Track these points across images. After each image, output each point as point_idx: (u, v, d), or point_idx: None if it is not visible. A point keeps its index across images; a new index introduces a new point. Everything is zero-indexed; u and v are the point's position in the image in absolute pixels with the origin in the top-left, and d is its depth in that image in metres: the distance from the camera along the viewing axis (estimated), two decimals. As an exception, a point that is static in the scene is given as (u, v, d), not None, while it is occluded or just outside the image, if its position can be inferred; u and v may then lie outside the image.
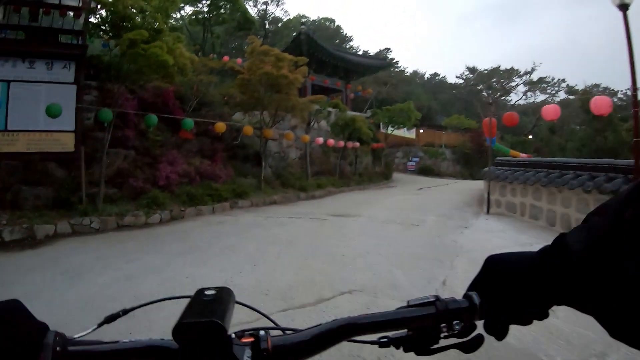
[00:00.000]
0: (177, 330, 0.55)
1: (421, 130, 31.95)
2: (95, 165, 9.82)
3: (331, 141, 17.90)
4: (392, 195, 16.33)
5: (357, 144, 19.80)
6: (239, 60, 19.63)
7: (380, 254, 6.51)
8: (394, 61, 30.14)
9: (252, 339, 0.62)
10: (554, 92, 44.05)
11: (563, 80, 43.64)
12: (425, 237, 7.99)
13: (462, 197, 15.87)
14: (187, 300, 0.64)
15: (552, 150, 30.42)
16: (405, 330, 0.64)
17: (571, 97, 42.48)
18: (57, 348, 0.57)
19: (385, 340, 0.66)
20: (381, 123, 25.08)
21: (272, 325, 0.77)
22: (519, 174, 10.10)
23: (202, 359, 0.57)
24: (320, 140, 17.24)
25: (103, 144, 9.48)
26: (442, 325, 0.61)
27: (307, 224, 9.16)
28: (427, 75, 58.16)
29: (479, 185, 22.50)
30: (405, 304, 0.64)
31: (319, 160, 19.18)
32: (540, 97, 45.53)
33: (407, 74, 47.22)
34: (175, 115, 12.14)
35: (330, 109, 20.93)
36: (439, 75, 58.98)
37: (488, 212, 10.90)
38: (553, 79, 43.35)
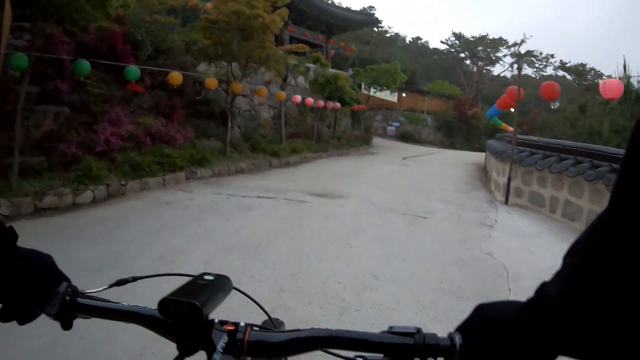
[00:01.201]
0: (162, 305, 0.61)
1: (403, 94, 29.50)
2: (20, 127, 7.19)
3: (310, 100, 15.33)
4: (377, 165, 14.01)
5: (338, 104, 17.31)
6: (208, 4, 16.61)
7: (396, 282, 4.17)
8: (378, 19, 27.12)
9: (232, 328, 0.65)
10: (542, 66, 41.90)
11: (552, 56, 41.52)
12: (445, 241, 5.70)
13: (458, 172, 13.76)
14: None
15: (544, 129, 28.19)
16: (382, 355, 0.62)
17: (560, 73, 40.71)
18: (67, 297, 0.69)
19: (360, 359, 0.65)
20: (362, 84, 22.59)
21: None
22: (552, 160, 7.81)
23: (181, 334, 0.64)
24: (298, 98, 14.66)
25: (27, 100, 6.91)
26: (416, 358, 0.58)
27: (280, 211, 6.73)
28: (408, 39, 55.29)
29: (466, 157, 20.63)
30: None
31: (295, 121, 16.63)
32: (528, 71, 43.46)
33: (389, 34, 44.21)
34: (125, 63, 9.45)
35: (309, 64, 18.31)
36: (421, 39, 56.25)
37: (507, 202, 8.67)
38: (541, 53, 41.16)
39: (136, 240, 5.10)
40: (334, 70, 17.87)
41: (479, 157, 20.82)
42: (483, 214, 7.55)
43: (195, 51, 12.43)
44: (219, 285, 0.69)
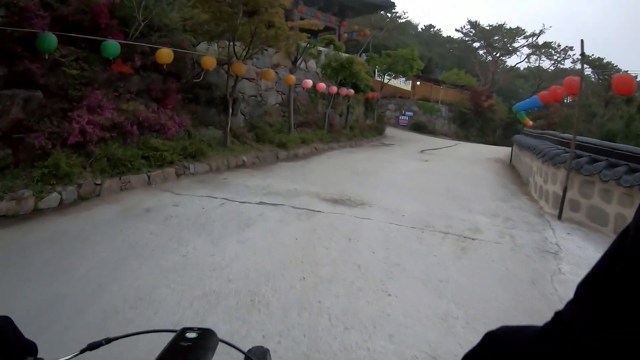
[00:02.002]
0: None
1: (418, 83, 27.68)
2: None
3: (322, 85, 13.65)
4: (395, 160, 12.37)
5: (352, 91, 15.63)
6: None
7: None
8: (394, 3, 25.23)
9: None
10: (560, 59, 39.70)
11: (571, 48, 39.21)
12: (511, 283, 4.06)
13: (485, 171, 12.13)
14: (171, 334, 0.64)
15: (565, 125, 26.16)
16: None
17: (579, 67, 38.52)
18: None
19: None
20: (377, 70, 20.83)
21: None
22: (621, 170, 6.12)
23: None
24: (309, 83, 12.97)
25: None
26: None
27: (288, 228, 5.09)
28: (420, 27, 53.04)
29: (486, 151, 18.97)
30: None
31: (305, 109, 14.98)
32: (546, 63, 41.32)
33: (403, 20, 42.12)
34: (110, 39, 7.86)
35: (321, 47, 16.60)
36: (434, 27, 53.96)
37: (560, 216, 7.01)
38: (559, 45, 38.95)
39: (89, 276, 3.55)
40: (348, 55, 16.15)
41: (499, 152, 19.23)
42: (539, 234, 5.91)
43: (193, 28, 10.78)
44: (205, 344, 0.63)
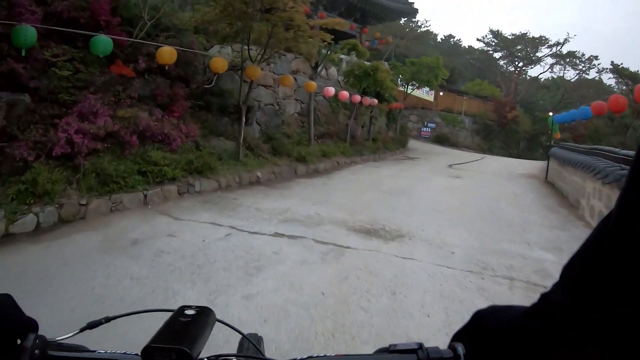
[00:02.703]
0: (146, 353, 0.54)
1: (441, 93, 26.32)
2: None
3: (345, 94, 12.43)
4: (424, 177, 11.09)
5: (375, 101, 14.41)
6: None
7: None
8: (417, 9, 24.02)
9: None
10: (585, 68, 37.91)
11: (596, 57, 37.41)
12: None
13: (524, 189, 10.84)
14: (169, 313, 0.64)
15: (595, 137, 24.45)
16: None
17: (604, 77, 37.00)
18: (36, 351, 0.57)
19: None
20: (400, 79, 19.60)
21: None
22: None
23: None
24: (332, 90, 11.76)
25: None
26: None
27: (311, 276, 3.80)
28: (440, 37, 51.63)
29: (515, 165, 17.64)
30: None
31: (325, 119, 13.79)
32: (570, 73, 39.48)
33: (425, 29, 40.76)
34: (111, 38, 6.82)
35: (342, 55, 15.45)
36: (454, 37, 52.61)
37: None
38: (583, 54, 37.21)
39: None
40: (371, 62, 14.96)
41: (530, 166, 17.85)
42: None
43: (205, 29, 9.69)
44: (203, 321, 0.62)
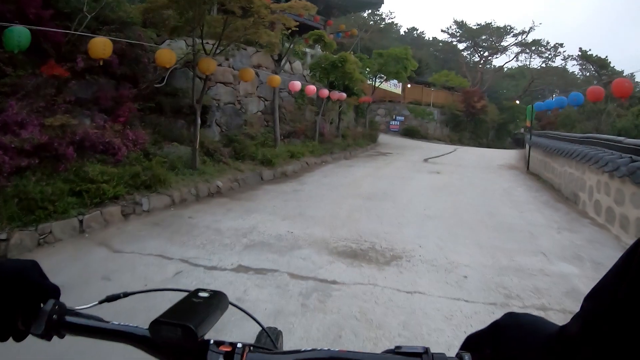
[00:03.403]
0: (153, 327, 0.56)
1: (408, 85, 25.48)
2: None
3: (312, 88, 11.31)
4: (404, 174, 10.10)
5: (344, 95, 13.37)
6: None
7: None
8: (382, 1, 23.05)
9: (228, 349, 0.58)
10: (550, 56, 37.78)
11: (561, 45, 37.42)
12: None
13: (510, 183, 10.09)
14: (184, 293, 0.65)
15: (567, 124, 23.98)
16: None
17: (567, 64, 37.02)
18: (54, 316, 0.61)
19: None
20: (366, 72, 18.62)
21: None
22: None
23: (174, 357, 0.58)
24: (298, 85, 10.63)
25: None
26: None
27: (289, 344, 2.59)
28: (403, 30, 50.97)
29: (491, 156, 17.01)
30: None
31: (291, 117, 12.64)
32: (536, 61, 39.31)
33: (390, 21, 39.87)
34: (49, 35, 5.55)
35: (307, 49, 14.35)
36: (417, 29, 52.08)
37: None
38: (548, 42, 37.05)
39: None
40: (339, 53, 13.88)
41: (505, 156, 17.33)
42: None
43: (156, 22, 8.39)
44: (215, 304, 0.62)
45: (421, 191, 8.03)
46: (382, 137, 20.74)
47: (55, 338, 0.61)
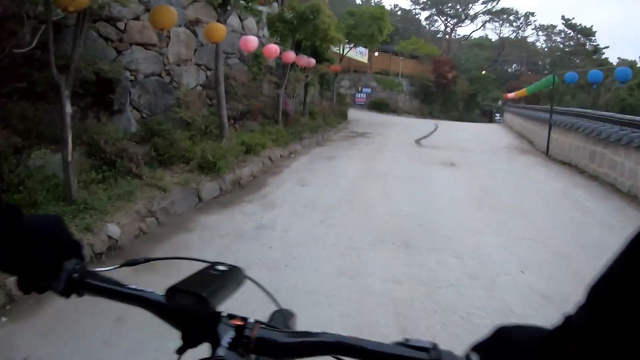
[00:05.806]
0: (169, 293, 0.55)
1: (376, 54, 22.07)
2: None
3: (273, 48, 7.75)
4: (418, 173, 6.85)
5: (313, 60, 9.91)
6: None
7: None
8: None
9: (240, 323, 0.57)
10: (520, 25, 35.34)
11: (532, 14, 35.05)
12: None
13: (550, 177, 7.04)
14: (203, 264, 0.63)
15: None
16: None
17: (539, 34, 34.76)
18: (74, 275, 0.60)
19: None
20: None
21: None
22: None
23: (186, 324, 0.57)
24: (253, 42, 7.07)
25: None
26: None
27: None
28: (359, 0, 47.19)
29: (486, 133, 14.33)
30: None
31: (245, 91, 8.98)
32: (507, 31, 36.66)
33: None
34: None
35: (261, 7, 10.69)
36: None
37: None
38: (517, 11, 34.49)
39: None
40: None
41: (496, 133, 14.76)
42: None
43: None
44: (231, 277, 0.61)
45: (468, 212, 4.76)
46: (350, 113, 17.48)
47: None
